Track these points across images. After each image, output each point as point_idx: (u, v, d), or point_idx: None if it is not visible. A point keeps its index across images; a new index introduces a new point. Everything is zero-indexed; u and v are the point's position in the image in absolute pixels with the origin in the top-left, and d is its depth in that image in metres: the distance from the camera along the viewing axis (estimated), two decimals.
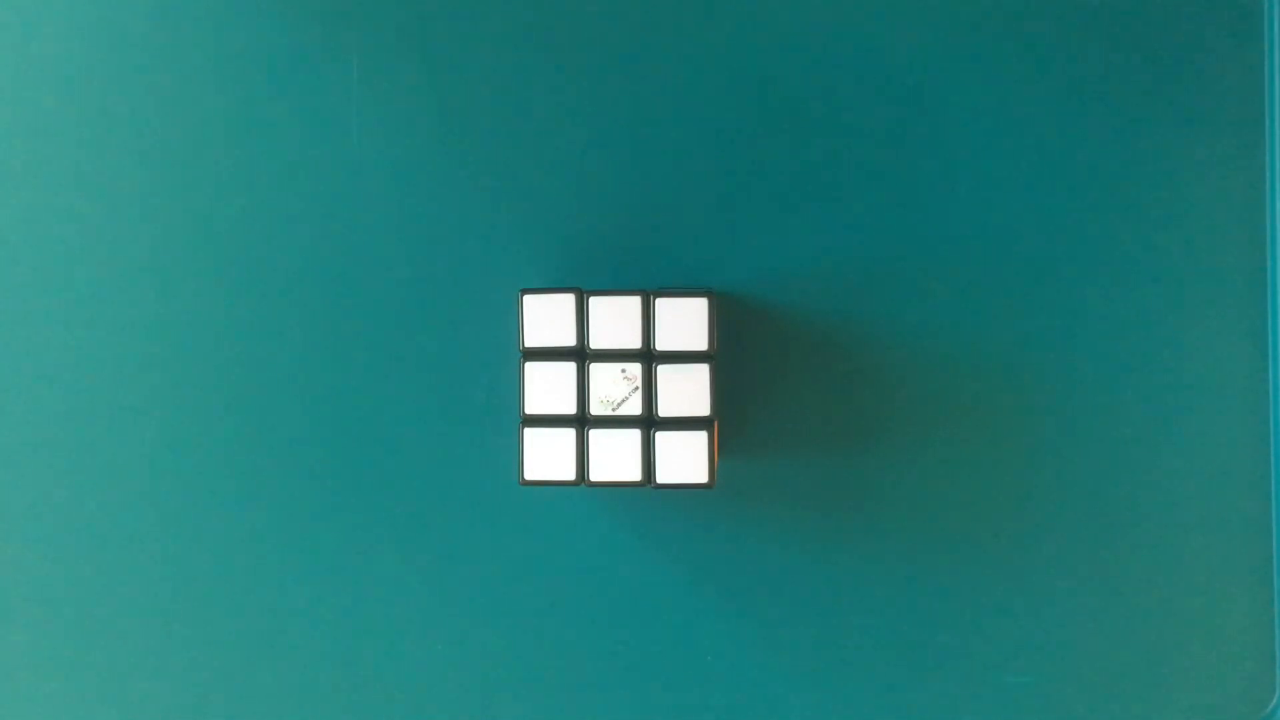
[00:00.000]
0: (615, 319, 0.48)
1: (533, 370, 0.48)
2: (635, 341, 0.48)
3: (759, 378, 0.51)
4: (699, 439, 0.48)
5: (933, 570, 0.51)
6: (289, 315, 0.52)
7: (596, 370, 0.48)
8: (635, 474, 0.48)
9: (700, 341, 0.48)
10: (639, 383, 0.48)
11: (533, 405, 0.48)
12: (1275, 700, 0.51)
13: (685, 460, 0.48)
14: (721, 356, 0.51)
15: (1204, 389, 0.51)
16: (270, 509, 0.52)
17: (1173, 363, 0.51)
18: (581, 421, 0.48)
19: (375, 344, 0.52)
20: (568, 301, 0.48)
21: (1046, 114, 0.51)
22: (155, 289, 0.53)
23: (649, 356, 0.48)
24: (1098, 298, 0.51)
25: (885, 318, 0.51)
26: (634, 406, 0.48)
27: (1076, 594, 0.51)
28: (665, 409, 0.48)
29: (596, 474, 0.48)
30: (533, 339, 0.49)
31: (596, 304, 0.48)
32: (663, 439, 0.48)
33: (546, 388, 0.48)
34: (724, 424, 0.51)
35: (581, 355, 0.49)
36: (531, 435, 0.48)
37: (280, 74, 0.52)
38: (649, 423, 0.48)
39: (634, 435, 0.48)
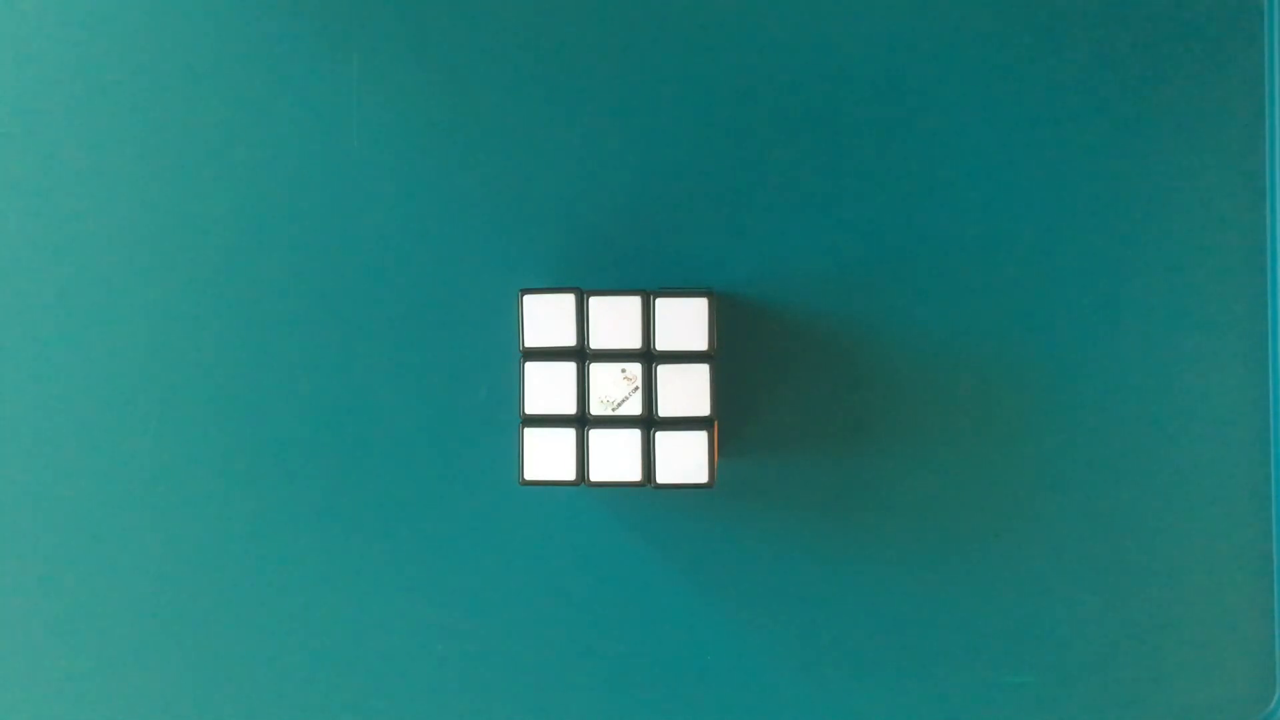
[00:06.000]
0: (615, 319, 0.48)
1: (533, 370, 0.48)
2: (635, 341, 0.48)
3: (759, 378, 0.51)
4: (699, 439, 0.48)
5: (933, 570, 0.51)
6: (288, 315, 0.52)
7: (596, 370, 0.48)
8: (635, 474, 0.48)
9: (700, 341, 0.48)
10: (639, 383, 0.48)
11: (533, 405, 0.48)
12: (1275, 700, 0.51)
13: (685, 460, 0.48)
14: (721, 356, 0.51)
15: (1204, 390, 0.51)
16: (270, 509, 0.52)
17: (1173, 363, 0.51)
18: (581, 421, 0.48)
19: (375, 344, 0.52)
20: (568, 301, 0.48)
21: (1047, 114, 0.51)
22: (153, 288, 0.53)
23: (649, 356, 0.48)
24: (1097, 298, 0.51)
25: (885, 318, 0.51)
26: (634, 406, 0.48)
27: (1076, 594, 0.51)
28: (665, 409, 0.48)
29: (596, 474, 0.48)
30: (533, 339, 0.49)
31: (596, 304, 0.48)
32: (663, 439, 0.48)
33: (546, 388, 0.48)
34: (724, 424, 0.51)
35: (581, 355, 0.49)
36: (531, 435, 0.48)
37: (280, 74, 0.52)
38: (649, 423, 0.48)
39: (634, 435, 0.48)
